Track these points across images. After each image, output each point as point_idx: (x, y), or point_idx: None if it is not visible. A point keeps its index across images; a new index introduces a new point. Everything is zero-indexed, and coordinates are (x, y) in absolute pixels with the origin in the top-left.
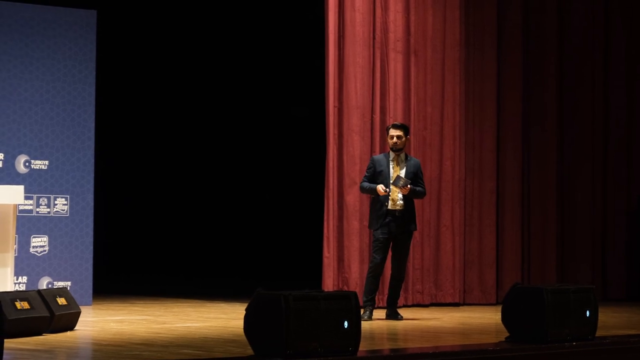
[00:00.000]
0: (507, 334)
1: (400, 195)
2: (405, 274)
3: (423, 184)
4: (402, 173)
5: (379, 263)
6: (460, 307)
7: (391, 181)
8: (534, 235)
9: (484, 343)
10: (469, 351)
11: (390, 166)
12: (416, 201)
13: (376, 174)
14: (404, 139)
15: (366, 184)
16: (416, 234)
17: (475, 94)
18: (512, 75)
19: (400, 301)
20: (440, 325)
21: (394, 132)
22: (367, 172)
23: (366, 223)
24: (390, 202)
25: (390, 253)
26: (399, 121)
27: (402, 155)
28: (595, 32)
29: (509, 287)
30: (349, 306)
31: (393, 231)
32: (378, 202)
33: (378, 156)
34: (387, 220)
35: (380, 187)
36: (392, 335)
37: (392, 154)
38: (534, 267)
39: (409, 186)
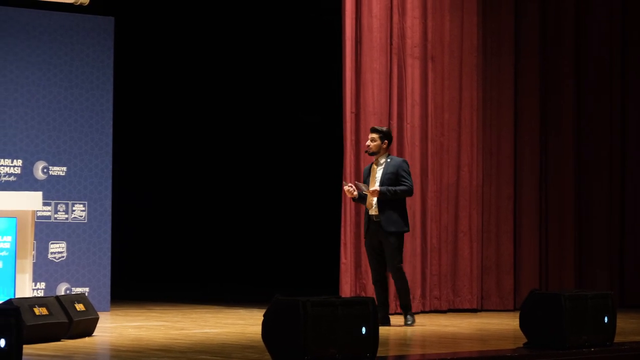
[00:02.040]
0: (525, 340)
1: (375, 200)
2: (400, 274)
3: (407, 182)
4: (379, 175)
5: (374, 270)
6: (478, 313)
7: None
8: (552, 241)
9: (502, 349)
10: (487, 357)
11: (372, 170)
12: (433, 207)
13: (367, 184)
14: (377, 142)
15: None
16: (434, 240)
17: (493, 100)
18: (529, 81)
19: (418, 307)
20: (458, 332)
21: (369, 136)
22: None
23: None
24: (369, 208)
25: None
26: (416, 127)
27: (381, 158)
28: (612, 38)
29: (527, 293)
30: (367, 312)
31: (377, 236)
32: (366, 210)
33: (367, 166)
34: (369, 226)
35: (344, 188)
36: (410, 342)
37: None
38: (551, 273)
39: (369, 189)
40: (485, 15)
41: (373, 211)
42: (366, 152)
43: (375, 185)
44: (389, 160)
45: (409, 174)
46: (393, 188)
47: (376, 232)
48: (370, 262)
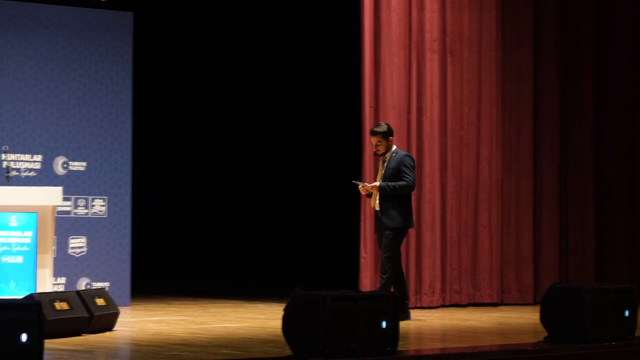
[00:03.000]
0: (546, 334)
1: (378, 195)
2: (390, 270)
3: (407, 177)
4: (382, 173)
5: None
6: (498, 307)
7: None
8: (572, 235)
9: (522, 343)
10: (507, 351)
11: (379, 165)
12: (453, 201)
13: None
14: (383, 142)
15: None
16: (454, 234)
17: (512, 94)
18: (549, 74)
19: (438, 301)
20: (478, 326)
21: (372, 141)
22: None
23: None
24: (374, 203)
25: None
26: (435, 121)
27: (387, 155)
28: (634, 31)
29: (547, 287)
30: (387, 306)
31: (380, 231)
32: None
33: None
34: (375, 221)
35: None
36: (431, 336)
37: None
38: (571, 266)
39: (365, 185)
40: (504, 8)
41: (376, 206)
42: (376, 154)
43: (380, 181)
44: (394, 154)
45: (411, 169)
46: (392, 184)
47: (380, 226)
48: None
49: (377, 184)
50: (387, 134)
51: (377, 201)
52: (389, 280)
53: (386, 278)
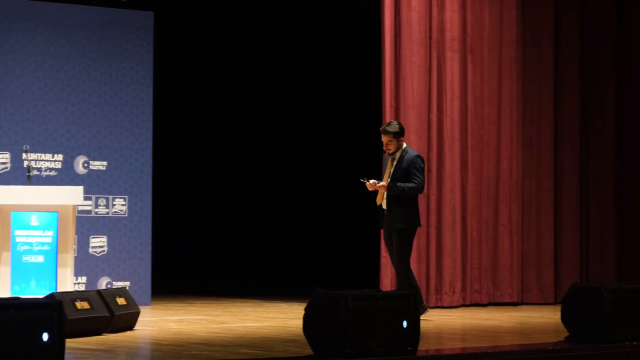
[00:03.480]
0: (567, 334)
1: (385, 193)
2: (403, 271)
3: (417, 178)
4: (391, 172)
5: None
6: (519, 307)
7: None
8: (592, 234)
9: (543, 343)
10: (528, 351)
11: (388, 165)
12: (473, 200)
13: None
14: (394, 141)
15: None
16: (474, 233)
17: (532, 93)
18: (569, 73)
19: (459, 301)
20: (498, 325)
21: (383, 139)
22: None
23: (424, 222)
24: (381, 201)
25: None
26: (456, 120)
27: (397, 154)
28: None
29: (568, 287)
30: (408, 306)
31: (386, 229)
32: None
33: (387, 156)
34: (382, 219)
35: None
36: (451, 335)
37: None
38: (592, 266)
39: (372, 182)
40: (525, 7)
41: (383, 204)
42: (388, 153)
43: (388, 179)
44: (404, 154)
45: (421, 171)
46: (402, 185)
47: (387, 225)
48: (389, 252)
49: (384, 183)
50: (399, 134)
51: (385, 199)
52: (405, 281)
53: (402, 280)
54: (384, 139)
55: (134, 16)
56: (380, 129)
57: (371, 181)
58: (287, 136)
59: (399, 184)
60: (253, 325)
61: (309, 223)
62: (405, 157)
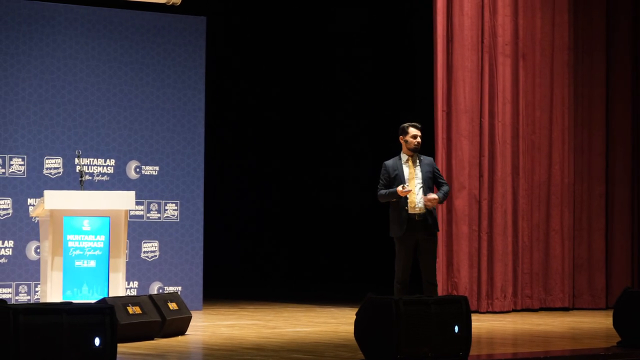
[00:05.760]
0: (619, 339)
1: (418, 199)
2: (435, 275)
3: (443, 179)
4: (419, 176)
5: (406, 269)
6: (570, 312)
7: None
8: None
9: (595, 348)
10: (580, 356)
11: (404, 168)
12: (524, 205)
13: (391, 180)
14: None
15: (384, 191)
16: (525, 238)
17: (584, 98)
18: (621, 79)
19: (510, 306)
20: (550, 330)
21: (417, 132)
22: (381, 179)
23: (475, 227)
24: (409, 206)
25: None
26: (507, 125)
27: (416, 156)
28: None
29: (620, 292)
30: (460, 311)
31: (416, 236)
32: (397, 208)
33: (389, 161)
34: (409, 225)
35: (399, 188)
36: (502, 340)
37: (405, 156)
38: None
39: (431, 196)
40: (577, 12)
41: (416, 210)
42: (412, 150)
43: (416, 183)
44: (421, 157)
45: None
46: (445, 192)
47: (416, 231)
48: (404, 260)
49: (435, 196)
50: None
51: (418, 205)
52: (436, 286)
53: (435, 284)
54: (419, 135)
55: (187, 21)
56: (413, 124)
57: (431, 195)
58: (340, 139)
59: (445, 192)
60: (304, 330)
61: (360, 227)
62: (425, 162)
